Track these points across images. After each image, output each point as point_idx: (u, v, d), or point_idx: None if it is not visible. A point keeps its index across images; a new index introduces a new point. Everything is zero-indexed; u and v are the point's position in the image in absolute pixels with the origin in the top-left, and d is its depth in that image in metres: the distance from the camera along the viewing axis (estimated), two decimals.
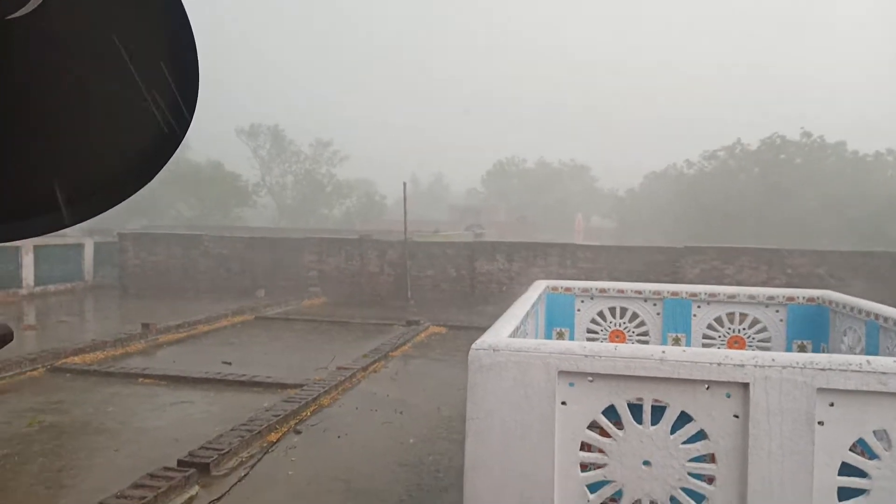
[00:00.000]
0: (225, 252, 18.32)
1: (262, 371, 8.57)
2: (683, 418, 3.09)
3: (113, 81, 1.05)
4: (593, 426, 3.25)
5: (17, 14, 0.90)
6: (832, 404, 2.89)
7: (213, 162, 49.96)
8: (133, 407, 7.23)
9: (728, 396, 3.02)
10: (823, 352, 5.63)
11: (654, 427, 3.12)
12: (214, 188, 47.48)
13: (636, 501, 3.07)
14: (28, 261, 16.56)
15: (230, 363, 9.17)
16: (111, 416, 6.81)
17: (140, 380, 8.19)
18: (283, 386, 7.81)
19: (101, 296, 17.42)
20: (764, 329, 6.04)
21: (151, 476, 4.82)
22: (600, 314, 6.65)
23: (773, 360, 2.95)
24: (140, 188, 1.14)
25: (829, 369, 2.84)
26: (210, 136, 59.27)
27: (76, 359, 9.06)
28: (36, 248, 16.84)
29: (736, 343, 6.10)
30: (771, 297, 6.08)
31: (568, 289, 6.79)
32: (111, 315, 14.70)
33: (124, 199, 1.13)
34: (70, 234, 22.14)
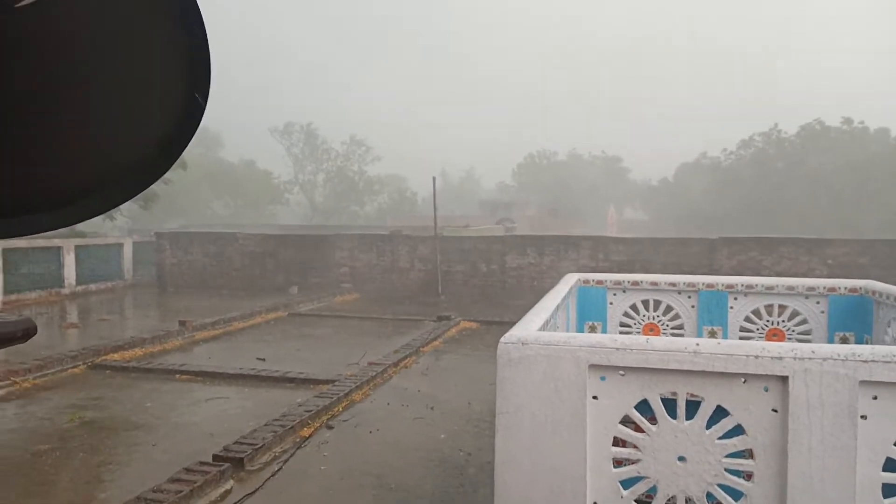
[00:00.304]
0: (259, 250, 18.58)
1: (295, 367, 8.66)
2: (719, 413, 3.00)
3: (122, 70, 1.03)
4: (626, 421, 3.18)
5: (25, 2, 0.89)
6: (876, 397, 2.77)
7: (247, 161, 50.79)
8: (170, 403, 7.37)
9: (766, 390, 2.93)
10: (867, 343, 5.43)
11: (688, 422, 3.04)
12: (248, 187, 48.27)
13: (671, 498, 3.00)
14: (70, 260, 17.03)
15: (264, 359, 9.29)
16: (149, 412, 6.95)
17: (177, 376, 8.35)
18: (316, 382, 7.87)
19: (140, 294, 17.84)
20: (804, 321, 5.86)
21: (187, 470, 4.90)
22: (633, 307, 6.54)
23: (813, 352, 2.85)
24: (155, 180, 1.12)
25: (873, 361, 2.73)
26: (243, 135, 60.27)
27: (116, 356, 9.28)
28: (77, 248, 17.32)
29: (775, 336, 5.93)
30: (811, 288, 5.90)
31: (600, 282, 6.69)
32: (150, 313, 15.03)
33: (139, 193, 1.12)
34: (110, 234, 22.73)
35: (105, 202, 1.07)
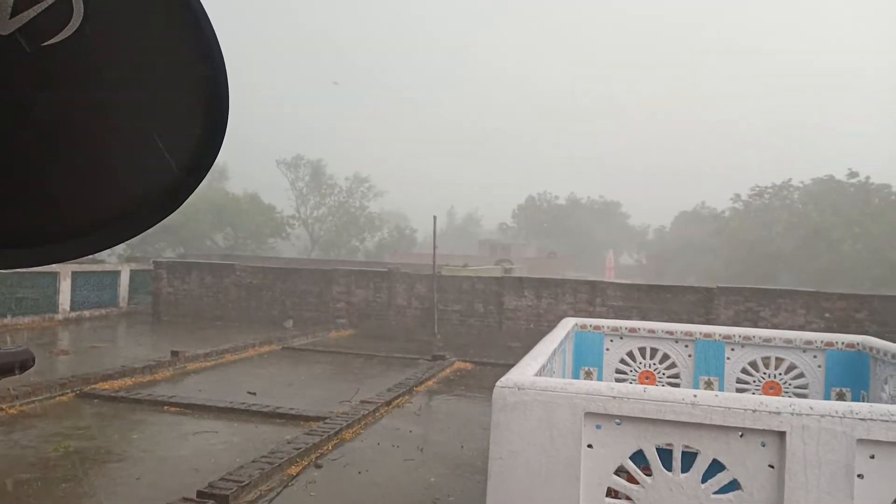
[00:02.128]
0: (256, 282, 18.53)
1: (286, 402, 8.54)
2: (715, 466, 2.95)
3: (141, 113, 1.05)
4: (620, 471, 3.13)
5: (53, 41, 0.91)
6: (873, 456, 2.73)
7: (251, 194, 51.12)
8: (157, 435, 7.25)
9: (763, 445, 2.89)
10: (863, 400, 5.38)
11: (684, 474, 2.99)
12: (250, 219, 48.45)
13: None
14: (65, 286, 16.96)
15: (255, 393, 9.17)
16: (135, 444, 6.82)
17: (166, 408, 8.22)
18: (306, 418, 7.76)
19: (135, 322, 17.71)
20: (801, 375, 5.82)
21: None
22: (630, 354, 6.50)
23: (811, 408, 2.82)
24: (161, 220, 1.13)
25: (871, 419, 2.70)
26: (249, 167, 60.80)
27: (105, 385, 9.16)
28: (74, 273, 17.26)
29: (771, 389, 5.88)
30: (809, 342, 5.87)
31: (597, 327, 6.67)
32: (142, 341, 14.89)
33: (143, 231, 1.13)
34: (108, 262, 22.70)
35: (124, 232, 1.07)
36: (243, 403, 8.40)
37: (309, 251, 55.18)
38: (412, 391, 9.63)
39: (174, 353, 11.16)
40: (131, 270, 19.68)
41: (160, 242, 42.14)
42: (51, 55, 0.90)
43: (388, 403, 8.65)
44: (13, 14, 0.86)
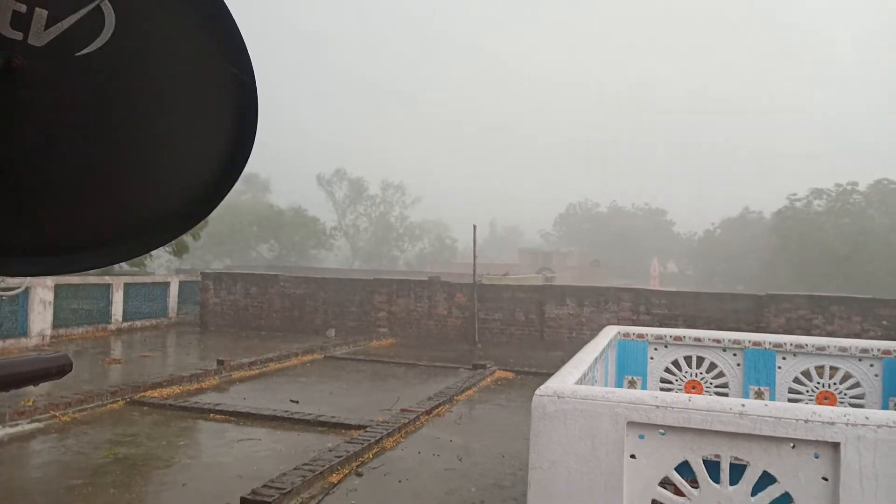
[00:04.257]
0: (299, 292, 18.80)
1: (328, 411, 8.61)
2: (766, 479, 2.83)
3: (172, 121, 1.06)
4: (665, 483, 3.03)
5: (86, 51, 0.92)
6: None
7: (296, 207, 52.17)
8: (203, 442, 7.38)
9: (816, 457, 2.76)
10: None
11: (732, 487, 2.88)
12: (294, 231, 49.37)
13: None
14: (118, 297, 17.52)
15: (297, 402, 9.27)
16: (182, 451, 6.96)
17: (212, 415, 8.38)
18: (347, 427, 7.80)
19: (183, 332, 18.16)
20: (857, 384, 5.57)
21: None
22: (675, 363, 6.34)
23: (867, 418, 2.68)
24: (193, 227, 1.14)
25: None
26: (291, 181, 62.03)
27: (154, 393, 9.39)
28: (126, 285, 17.83)
29: (826, 399, 5.65)
30: (865, 350, 5.62)
31: (640, 335, 6.52)
32: (190, 351, 15.25)
33: (176, 237, 1.14)
34: (157, 273, 23.38)
35: (150, 243, 1.08)
36: (286, 411, 8.50)
37: (351, 262, 55.84)
38: (453, 400, 9.59)
39: (220, 362, 11.38)
40: (180, 282, 20.22)
41: (208, 255, 43.24)
42: (84, 65, 0.91)
43: (429, 412, 8.63)
44: (48, 25, 0.87)
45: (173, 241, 14.55)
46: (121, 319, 17.57)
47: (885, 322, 13.84)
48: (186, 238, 19.48)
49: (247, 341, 15.94)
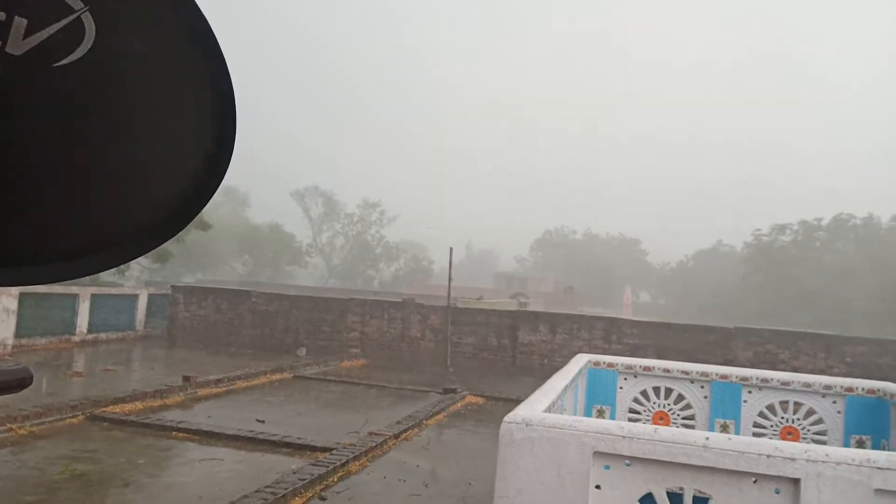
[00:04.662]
0: (271, 309, 18.59)
1: (294, 431, 8.47)
2: None
3: (150, 132, 1.05)
4: None
5: (65, 62, 0.91)
6: None
7: (272, 223, 51.75)
8: (164, 461, 7.20)
9: (777, 492, 2.79)
10: (884, 449, 5.20)
11: None
12: (269, 247, 48.92)
13: None
14: (84, 308, 17.13)
15: (263, 421, 9.11)
16: (141, 469, 6.78)
17: (174, 433, 8.19)
18: (313, 449, 7.68)
19: (150, 346, 17.80)
20: (820, 421, 5.66)
21: None
22: (644, 393, 6.37)
23: (828, 455, 2.72)
24: (169, 239, 1.13)
25: (888, 469, 2.60)
26: (269, 196, 61.67)
27: (115, 408, 9.16)
28: (93, 296, 17.45)
29: (789, 434, 5.71)
30: (828, 387, 5.72)
31: (611, 364, 6.56)
32: (156, 366, 14.94)
33: (152, 250, 1.13)
34: (126, 285, 22.95)
35: (123, 256, 1.07)
36: (251, 431, 8.34)
37: (325, 280, 55.42)
38: (422, 424, 9.51)
39: (186, 379, 11.16)
40: (149, 294, 19.85)
41: (180, 268, 42.58)
42: (62, 75, 0.91)
43: (397, 436, 8.54)
44: (27, 34, 0.87)
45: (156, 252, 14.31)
46: (86, 331, 17.17)
47: (848, 359, 14.11)
48: (169, 246, 19.15)
49: (215, 358, 15.66)
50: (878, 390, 5.52)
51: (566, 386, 4.79)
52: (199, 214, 1.12)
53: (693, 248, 56.05)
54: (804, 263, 38.58)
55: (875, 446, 5.34)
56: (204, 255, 43.03)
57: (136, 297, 19.36)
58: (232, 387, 11.78)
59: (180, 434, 8.16)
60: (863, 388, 5.60)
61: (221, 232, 43.57)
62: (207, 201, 1.11)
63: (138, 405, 9.58)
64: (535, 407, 3.68)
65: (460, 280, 21.11)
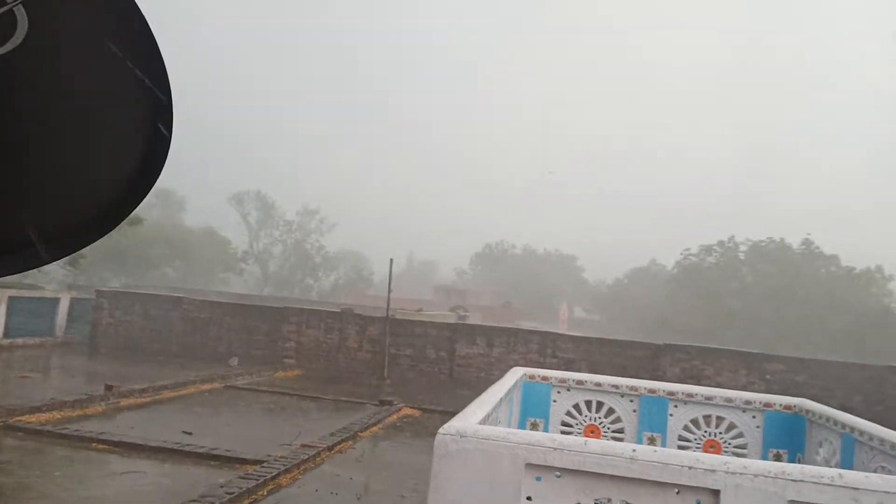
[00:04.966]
0: (203, 316, 18.02)
1: (223, 443, 8.21)
2: None
3: (84, 127, 1.03)
4: None
5: None
6: None
7: (206, 228, 50.22)
8: (82, 473, 6.85)
9: (698, 503, 2.89)
10: (799, 462, 5.48)
11: None
12: (203, 253, 47.46)
13: None
14: (0, 311, 16.17)
15: (190, 433, 8.80)
16: (57, 482, 6.43)
17: (94, 444, 7.81)
18: (243, 461, 7.46)
19: (70, 353, 16.93)
20: (740, 435, 5.91)
21: None
22: (576, 407, 6.50)
23: (745, 467, 2.85)
24: (103, 236, 1.10)
25: (801, 481, 2.74)
26: (208, 199, 59.91)
27: (31, 417, 8.67)
28: (11, 299, 16.49)
29: (712, 447, 5.94)
30: (748, 402, 5.98)
31: (545, 378, 6.66)
32: (76, 374, 14.22)
33: (97, 239, 1.10)
34: (47, 288, 21.78)
35: (53, 253, 1.03)
36: (177, 443, 8.04)
37: (261, 288, 54.14)
38: (356, 436, 9.40)
39: (108, 388, 10.68)
40: (71, 298, 18.91)
41: (106, 272, 40.78)
42: None
43: (331, 448, 8.41)
44: None
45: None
46: (2, 335, 16.20)
47: (768, 376, 14.81)
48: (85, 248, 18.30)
49: (141, 366, 15.03)
50: (795, 406, 5.82)
51: (501, 398, 4.84)
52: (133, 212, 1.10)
53: (629, 266, 57.75)
54: (727, 283, 40.37)
55: (791, 460, 5.62)
56: (132, 258, 41.36)
57: (56, 300, 18.41)
58: (158, 397, 11.34)
59: (100, 445, 7.78)
60: (780, 405, 5.89)
61: (152, 235, 42.00)
62: (144, 197, 1.09)
63: (56, 415, 9.10)
64: (469, 419, 3.70)
65: (400, 291, 21.02)
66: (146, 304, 18.41)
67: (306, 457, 7.68)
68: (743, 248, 43.05)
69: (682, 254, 45.17)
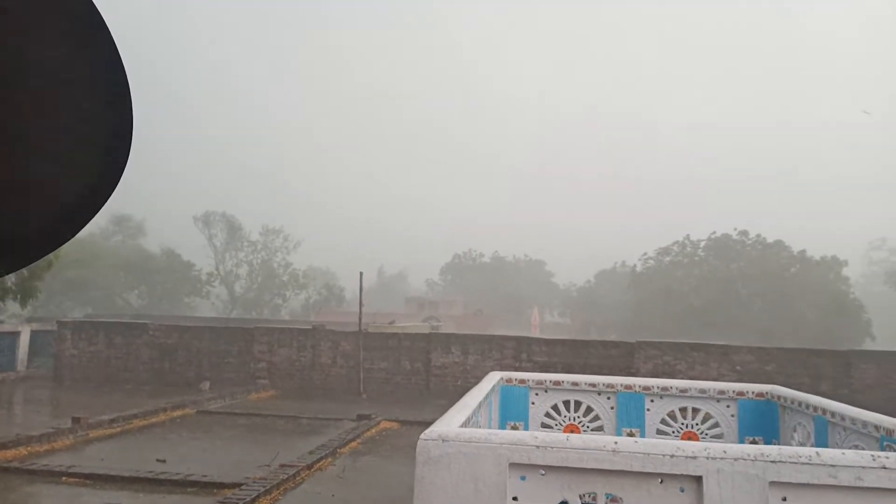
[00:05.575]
0: (170, 342, 17.63)
1: (199, 469, 8.02)
2: None
3: (34, 134, 1.00)
4: None
5: None
6: (785, 499, 2.82)
7: (167, 251, 49.17)
8: None
9: (682, 491, 2.93)
10: None
11: None
12: (166, 277, 46.46)
13: None
14: None
15: (164, 460, 8.57)
16: None
17: (64, 478, 7.55)
18: (220, 486, 7.30)
19: (34, 387, 16.38)
20: (716, 425, 6.01)
21: None
22: (555, 408, 6.53)
23: (725, 451, 2.90)
24: (57, 248, 1.07)
25: (780, 461, 2.80)
26: (168, 223, 58.75)
27: None
28: None
29: (689, 439, 6.02)
30: (721, 392, 6.09)
31: (522, 381, 6.68)
32: (41, 408, 13.76)
33: (48, 253, 1.06)
34: (6, 322, 21.06)
35: (13, 262, 1.00)
36: (151, 472, 7.83)
37: (229, 310, 53.16)
38: (336, 453, 9.28)
39: (75, 420, 10.35)
40: (32, 331, 18.32)
41: (67, 302, 39.66)
42: None
43: (310, 467, 8.28)
44: None
45: (21, 288, 13.10)
46: None
47: (738, 367, 15.10)
48: (38, 282, 17.63)
49: (108, 397, 14.61)
50: (767, 393, 5.94)
51: (480, 402, 4.84)
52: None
53: (597, 269, 58.44)
54: (687, 281, 41.18)
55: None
56: (92, 287, 40.28)
57: (16, 334, 17.83)
58: (128, 426, 11.03)
59: (71, 479, 7.53)
60: (752, 392, 6.01)
61: (111, 261, 40.98)
62: (97, 210, 1.06)
63: (22, 451, 8.78)
64: (450, 423, 3.69)
65: (372, 305, 20.94)
66: (110, 333, 17.94)
67: (286, 476, 7.55)
68: (702, 244, 43.96)
69: (639, 259, 46.17)
